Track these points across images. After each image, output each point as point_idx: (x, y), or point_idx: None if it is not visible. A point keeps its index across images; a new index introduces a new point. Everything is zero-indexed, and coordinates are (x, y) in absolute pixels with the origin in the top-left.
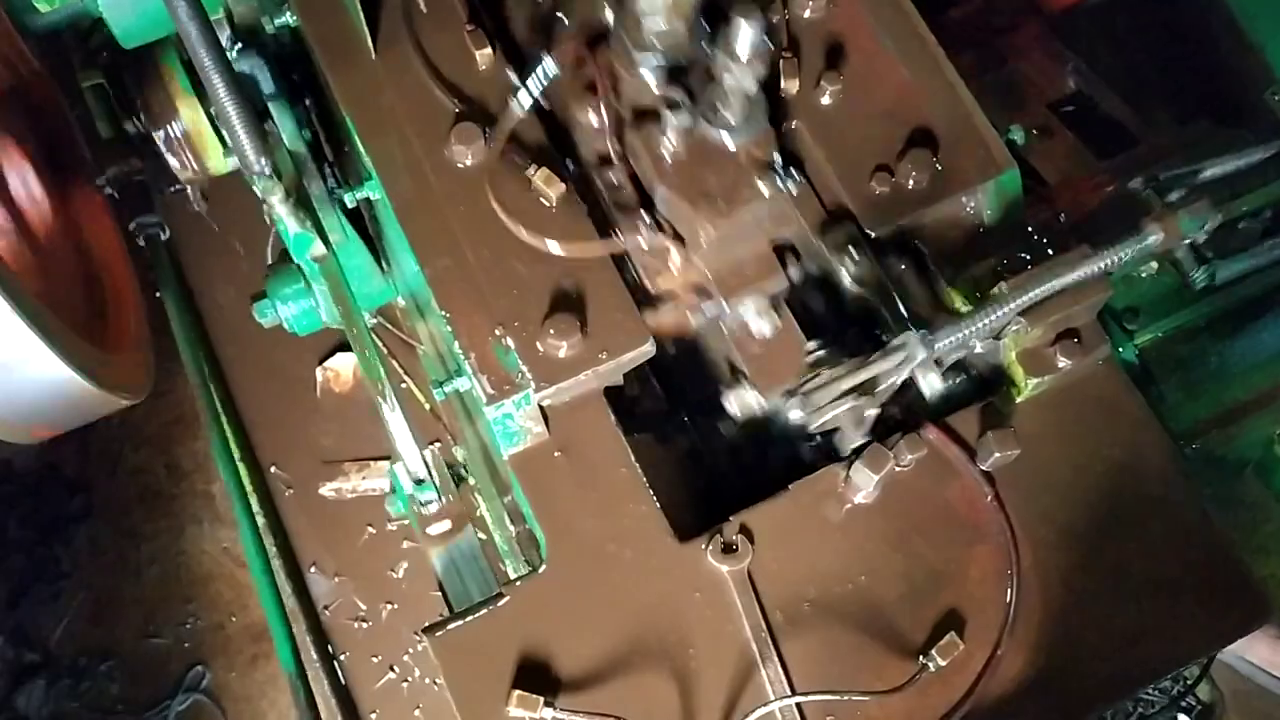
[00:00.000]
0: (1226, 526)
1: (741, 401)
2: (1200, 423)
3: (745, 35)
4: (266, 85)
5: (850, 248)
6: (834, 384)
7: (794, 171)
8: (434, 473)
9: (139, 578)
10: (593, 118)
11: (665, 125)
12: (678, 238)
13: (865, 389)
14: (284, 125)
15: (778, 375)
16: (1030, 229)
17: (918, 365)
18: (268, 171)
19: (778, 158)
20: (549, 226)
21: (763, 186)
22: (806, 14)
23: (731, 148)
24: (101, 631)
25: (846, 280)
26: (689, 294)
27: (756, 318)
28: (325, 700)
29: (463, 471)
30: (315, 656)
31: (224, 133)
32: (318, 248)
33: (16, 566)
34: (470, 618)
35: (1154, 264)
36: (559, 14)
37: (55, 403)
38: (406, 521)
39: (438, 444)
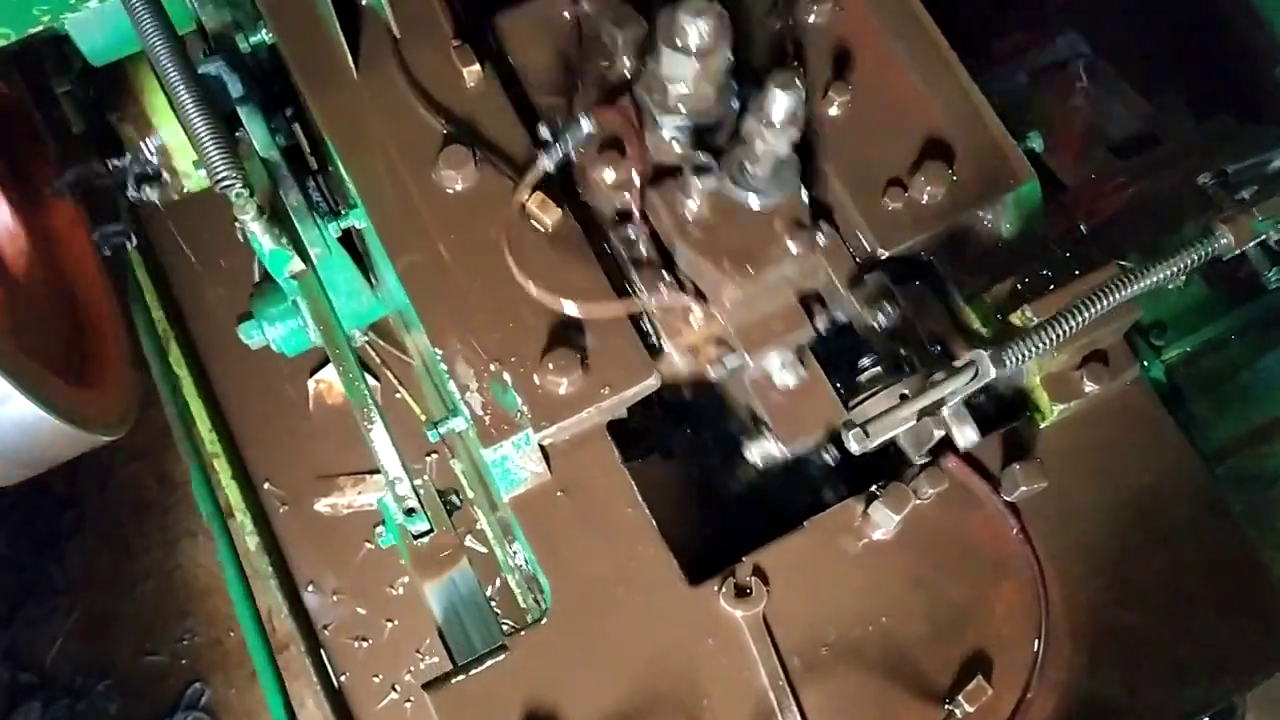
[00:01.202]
0: (1259, 548)
1: (764, 452)
2: (1231, 441)
3: (781, 105)
4: (235, 89)
5: (884, 301)
6: (899, 409)
7: (824, 225)
8: (425, 506)
9: (134, 594)
10: (609, 173)
11: (690, 188)
12: (699, 295)
13: (931, 410)
14: (255, 131)
15: (803, 427)
16: (1051, 242)
17: (986, 382)
18: (238, 184)
19: (808, 218)
20: (565, 283)
21: (791, 245)
22: (811, 19)
23: (757, 208)
24: (97, 650)
25: (877, 330)
26: (709, 348)
27: (781, 370)
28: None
29: (456, 500)
30: (314, 678)
31: (191, 145)
32: (295, 264)
33: (8, 585)
34: (473, 671)
35: (1181, 276)
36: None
37: (34, 447)
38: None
39: (434, 455)
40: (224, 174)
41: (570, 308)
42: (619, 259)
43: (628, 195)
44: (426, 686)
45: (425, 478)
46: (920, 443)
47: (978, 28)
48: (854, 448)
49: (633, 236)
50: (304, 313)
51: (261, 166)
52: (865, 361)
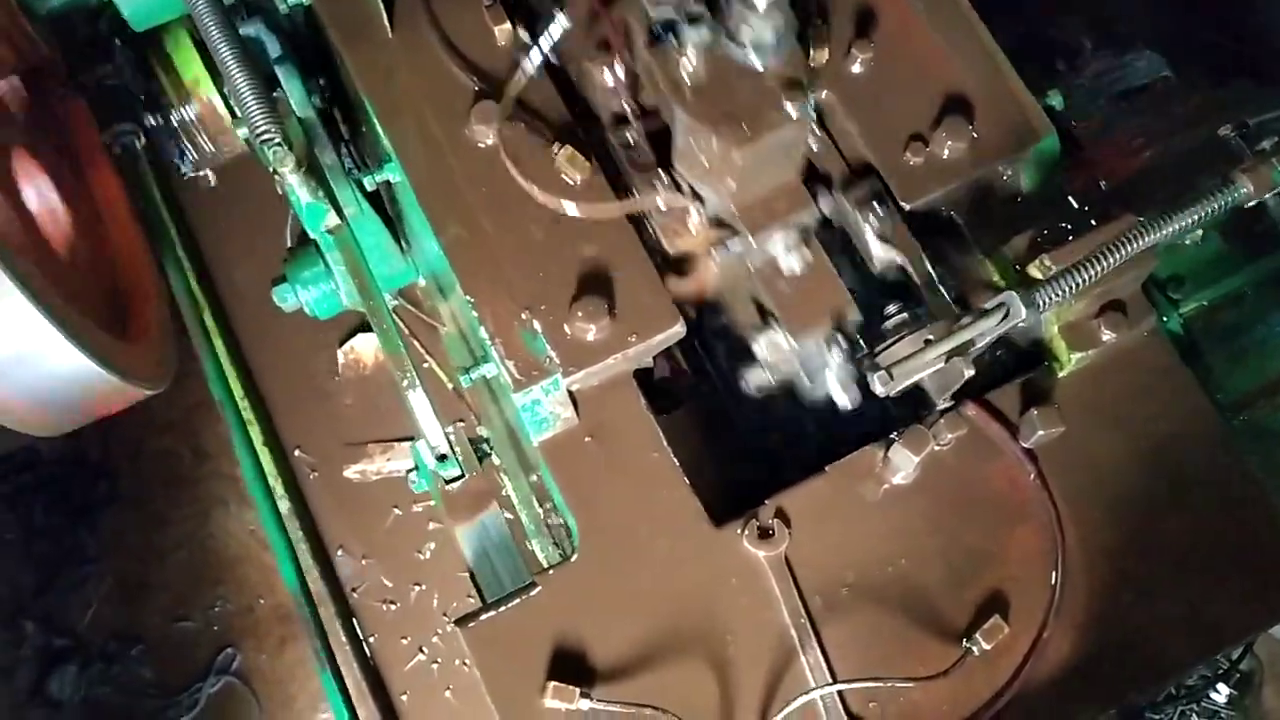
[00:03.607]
0: (1274, 497)
1: (772, 344)
2: (1247, 393)
3: None
4: (273, 49)
5: (874, 204)
6: (925, 351)
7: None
8: (457, 449)
9: (166, 562)
10: (607, 75)
11: (685, 42)
12: (696, 197)
13: (960, 351)
14: (292, 91)
15: (810, 315)
16: (1070, 197)
17: (1017, 324)
18: (277, 138)
19: (807, 78)
20: (566, 188)
21: (791, 109)
22: None
23: (758, 67)
24: (131, 616)
25: (870, 237)
26: (711, 246)
27: (786, 253)
28: (356, 683)
29: (486, 449)
30: (344, 639)
31: (232, 101)
32: (331, 219)
33: (44, 553)
34: (503, 608)
35: (1199, 231)
36: None
37: (78, 396)
38: (432, 502)
39: (461, 423)
40: (263, 127)
41: (570, 208)
42: (618, 161)
43: (620, 96)
44: (459, 622)
45: (458, 423)
46: (946, 386)
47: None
48: (879, 390)
49: (630, 139)
50: (336, 276)
51: (298, 125)
52: (891, 309)
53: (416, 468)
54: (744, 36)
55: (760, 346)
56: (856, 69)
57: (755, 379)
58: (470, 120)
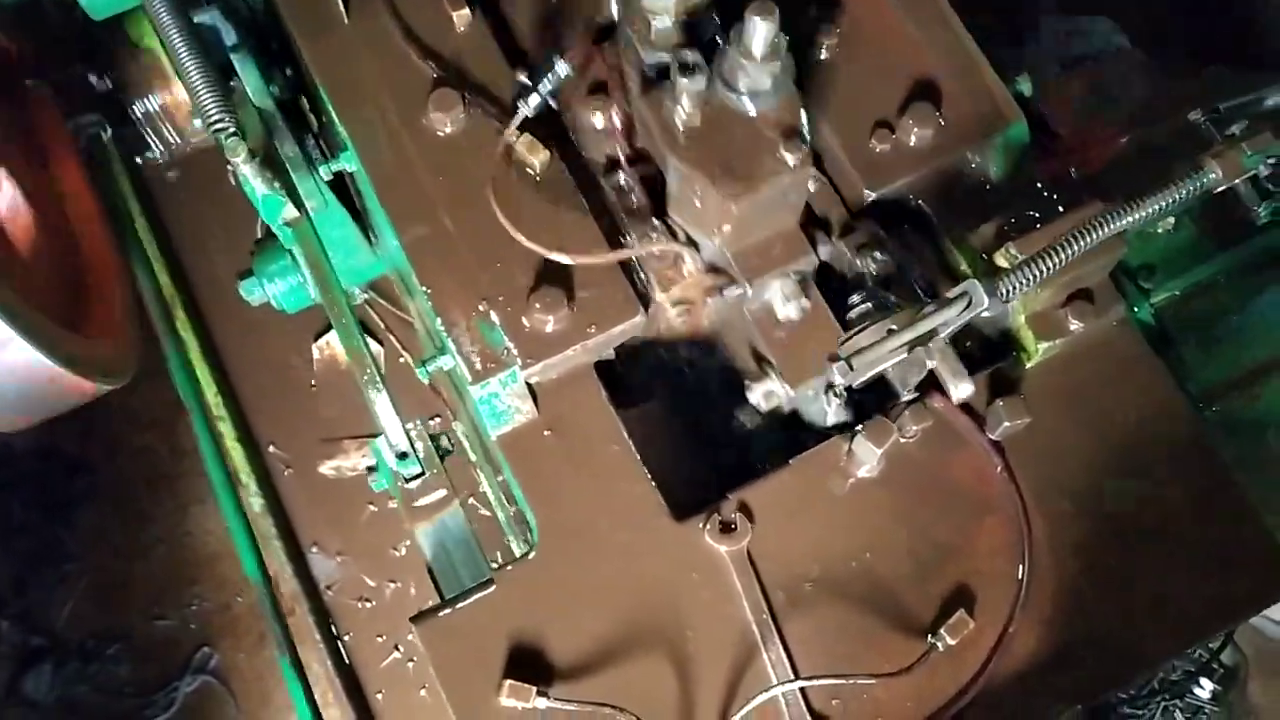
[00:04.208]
0: (1248, 490)
1: (767, 392)
2: (1220, 384)
3: (761, 34)
4: (229, 37)
5: (875, 250)
6: (885, 341)
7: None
8: (416, 445)
9: (144, 559)
10: (599, 119)
11: (680, 89)
12: (691, 243)
13: (922, 340)
14: (248, 79)
15: (808, 365)
16: (1039, 185)
17: (978, 313)
18: (230, 127)
19: (805, 123)
20: (555, 235)
21: (788, 157)
22: None
23: (751, 114)
24: (108, 614)
25: (866, 275)
26: (707, 282)
27: (784, 303)
28: (330, 681)
29: (448, 444)
30: (318, 637)
31: (185, 87)
32: (289, 211)
33: (21, 551)
34: (459, 605)
35: (1170, 219)
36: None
37: (34, 393)
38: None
39: (437, 419)
40: (215, 115)
41: (560, 257)
42: (610, 207)
43: (615, 141)
44: (414, 619)
45: (418, 421)
46: (909, 377)
47: None
48: (838, 381)
49: (623, 183)
50: (303, 268)
51: (256, 115)
52: (855, 298)
53: (376, 467)
54: (740, 84)
55: (754, 394)
56: (822, 55)
57: (747, 415)
58: (428, 108)
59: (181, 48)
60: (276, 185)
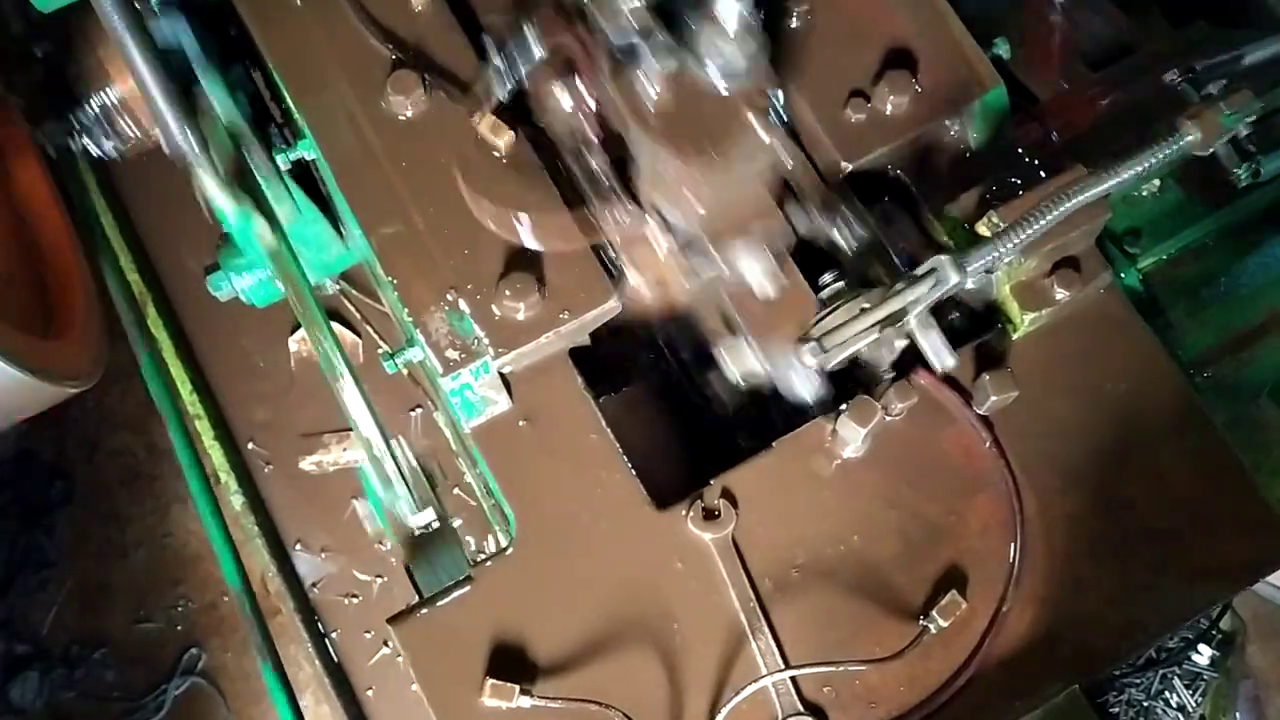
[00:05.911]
0: (1242, 454)
1: (745, 369)
2: (1211, 349)
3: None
4: (192, 49)
5: (854, 224)
6: (856, 321)
7: None
8: (406, 476)
9: (126, 562)
10: (566, 99)
11: (649, 66)
12: (664, 222)
13: (893, 320)
14: (215, 95)
15: (785, 337)
16: (1020, 150)
17: (948, 289)
18: (196, 150)
19: (777, 98)
20: (523, 219)
21: (762, 131)
22: None
23: (723, 89)
24: (92, 619)
25: (846, 248)
26: (678, 272)
27: (760, 277)
28: (319, 679)
29: (441, 473)
30: (305, 636)
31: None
32: (264, 228)
33: (1, 557)
34: (438, 604)
35: (1156, 181)
36: None
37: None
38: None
39: (419, 409)
40: (180, 139)
41: (529, 241)
42: (579, 189)
43: (584, 120)
44: (391, 620)
45: (400, 440)
46: (885, 357)
47: None
48: (810, 362)
49: (592, 164)
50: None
51: (223, 132)
52: (827, 277)
53: (368, 495)
54: (711, 59)
55: (732, 370)
56: (793, 23)
57: (719, 383)
58: (387, 91)
59: (140, 62)
60: (246, 202)
